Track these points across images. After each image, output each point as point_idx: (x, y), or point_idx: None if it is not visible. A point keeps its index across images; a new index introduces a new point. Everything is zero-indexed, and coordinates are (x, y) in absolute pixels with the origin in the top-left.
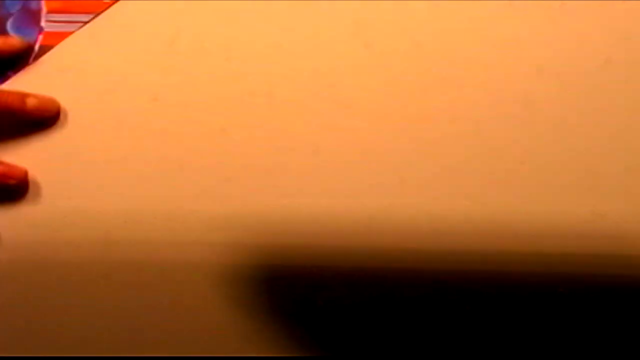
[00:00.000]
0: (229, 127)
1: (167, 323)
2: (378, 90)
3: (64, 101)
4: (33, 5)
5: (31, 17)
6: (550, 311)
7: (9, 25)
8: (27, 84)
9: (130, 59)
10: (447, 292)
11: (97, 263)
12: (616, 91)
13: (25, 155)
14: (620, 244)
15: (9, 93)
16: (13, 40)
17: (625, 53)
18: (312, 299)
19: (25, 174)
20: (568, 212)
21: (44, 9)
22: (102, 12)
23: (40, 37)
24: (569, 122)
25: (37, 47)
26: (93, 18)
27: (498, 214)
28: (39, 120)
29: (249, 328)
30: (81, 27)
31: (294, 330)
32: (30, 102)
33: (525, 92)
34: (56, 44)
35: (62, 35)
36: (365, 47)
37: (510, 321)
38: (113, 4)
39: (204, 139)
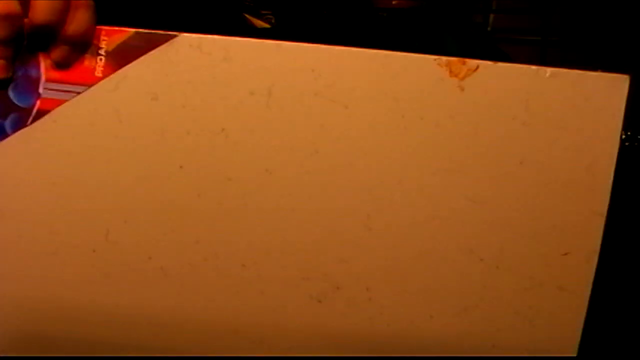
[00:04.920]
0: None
1: (168, 322)
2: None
3: (56, 136)
4: (33, 73)
5: (30, 84)
6: None
7: (10, 89)
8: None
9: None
10: None
11: (98, 263)
12: None
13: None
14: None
15: None
16: None
17: None
18: None
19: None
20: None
21: (43, 78)
22: (94, 84)
23: (38, 102)
24: None
25: (35, 111)
26: (86, 89)
27: (497, 214)
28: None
29: (248, 328)
30: (75, 96)
31: None
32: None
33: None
34: (52, 108)
35: (58, 102)
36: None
37: None
38: (104, 78)
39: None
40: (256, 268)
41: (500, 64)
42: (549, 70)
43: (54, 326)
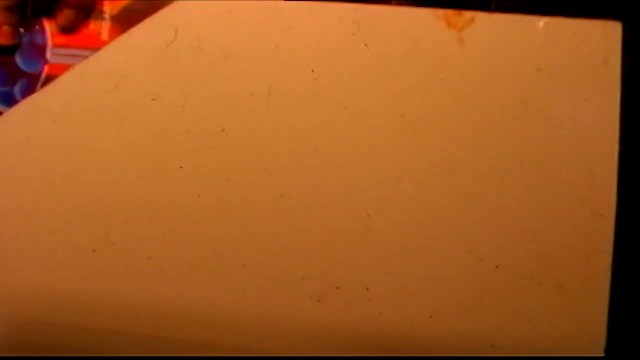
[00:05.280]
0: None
1: (168, 322)
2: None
3: (64, 100)
4: (39, 39)
5: (37, 50)
6: None
7: (17, 56)
8: (33, 109)
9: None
10: None
11: (97, 263)
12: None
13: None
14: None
15: None
16: None
17: None
18: None
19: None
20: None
21: (49, 43)
22: (101, 48)
23: (46, 67)
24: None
25: (43, 76)
26: (93, 53)
27: (497, 214)
28: None
29: (248, 328)
30: (82, 60)
31: None
32: None
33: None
34: (60, 73)
35: (65, 67)
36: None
37: None
38: (110, 41)
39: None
40: (256, 268)
41: (496, 15)
42: (543, 19)
43: (54, 326)
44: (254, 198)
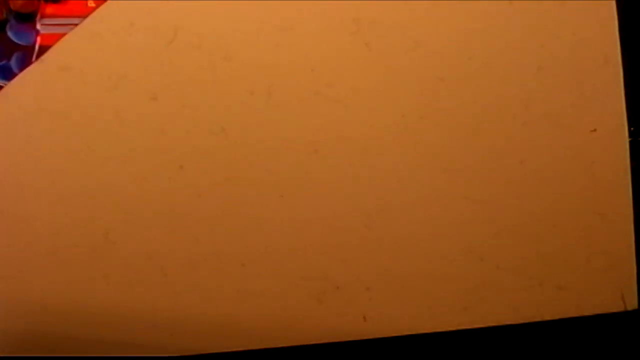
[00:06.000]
0: (229, 127)
1: (168, 322)
2: (378, 90)
3: (64, 100)
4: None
5: (27, 21)
6: None
7: (8, 30)
8: (31, 81)
9: (130, 58)
10: None
11: (97, 263)
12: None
13: (25, 155)
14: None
15: None
16: None
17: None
18: None
19: None
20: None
21: (38, 15)
22: (89, 14)
23: (38, 38)
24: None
25: (37, 47)
26: (82, 20)
27: (497, 214)
28: None
29: (248, 328)
30: (72, 28)
31: None
32: None
33: (525, 91)
34: (53, 43)
35: (57, 37)
36: (366, 47)
37: None
38: (97, 6)
39: (204, 139)
40: (256, 268)
41: None
42: None
43: (54, 326)
44: (254, 198)
